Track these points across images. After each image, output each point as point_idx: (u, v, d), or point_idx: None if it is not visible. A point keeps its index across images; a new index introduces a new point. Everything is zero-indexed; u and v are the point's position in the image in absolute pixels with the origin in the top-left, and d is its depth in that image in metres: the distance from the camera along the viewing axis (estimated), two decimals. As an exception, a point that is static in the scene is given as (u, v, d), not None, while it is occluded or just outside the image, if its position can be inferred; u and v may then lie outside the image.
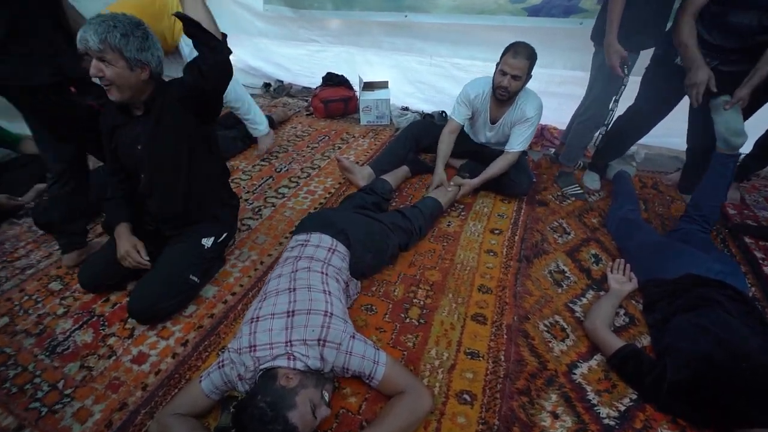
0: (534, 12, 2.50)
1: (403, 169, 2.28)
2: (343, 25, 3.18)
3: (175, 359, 1.38)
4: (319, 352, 1.13)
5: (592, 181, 2.28)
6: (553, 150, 2.71)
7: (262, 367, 1.11)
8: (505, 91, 1.85)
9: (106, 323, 1.52)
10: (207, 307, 1.57)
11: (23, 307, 1.59)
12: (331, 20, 3.16)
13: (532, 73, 1.85)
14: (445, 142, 2.13)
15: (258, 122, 2.49)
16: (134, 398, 1.26)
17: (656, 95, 1.86)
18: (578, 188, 2.22)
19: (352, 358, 1.14)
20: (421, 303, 1.54)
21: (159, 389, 1.28)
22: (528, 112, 1.92)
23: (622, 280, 1.56)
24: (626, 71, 1.80)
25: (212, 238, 1.64)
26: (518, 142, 1.97)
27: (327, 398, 1.09)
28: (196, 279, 1.57)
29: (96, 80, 1.30)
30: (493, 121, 2.06)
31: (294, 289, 1.28)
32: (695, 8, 1.54)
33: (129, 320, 1.52)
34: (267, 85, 3.78)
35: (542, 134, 2.82)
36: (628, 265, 1.62)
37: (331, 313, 1.21)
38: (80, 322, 1.52)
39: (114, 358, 1.39)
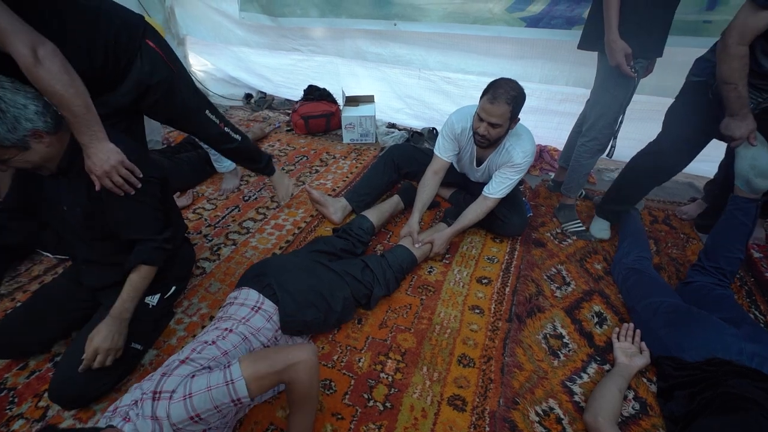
0: (533, 22, 2.24)
1: (392, 202, 1.98)
2: (326, 34, 2.93)
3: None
4: (152, 409, 0.87)
5: (600, 230, 1.90)
6: (552, 174, 2.45)
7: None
8: (484, 139, 1.57)
9: (16, 399, 1.28)
10: (139, 378, 1.33)
11: None
12: (313, 29, 2.91)
13: (519, 116, 1.56)
14: (428, 186, 1.78)
15: (224, 158, 2.24)
16: None
17: (686, 133, 1.53)
18: (580, 224, 1.96)
19: (195, 399, 0.87)
20: (390, 379, 1.29)
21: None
22: (515, 157, 1.63)
23: (630, 352, 1.31)
24: (634, 70, 1.54)
25: (158, 296, 1.41)
26: (499, 189, 1.68)
27: None
28: (139, 346, 1.34)
29: None
30: (479, 162, 1.79)
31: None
32: (752, 33, 1.16)
33: (45, 395, 1.28)
34: (249, 96, 3.55)
35: (541, 156, 2.57)
36: (638, 332, 1.36)
37: (186, 358, 0.99)
38: (-15, 399, 1.28)
39: (15, 450, 1.16)
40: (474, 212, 1.73)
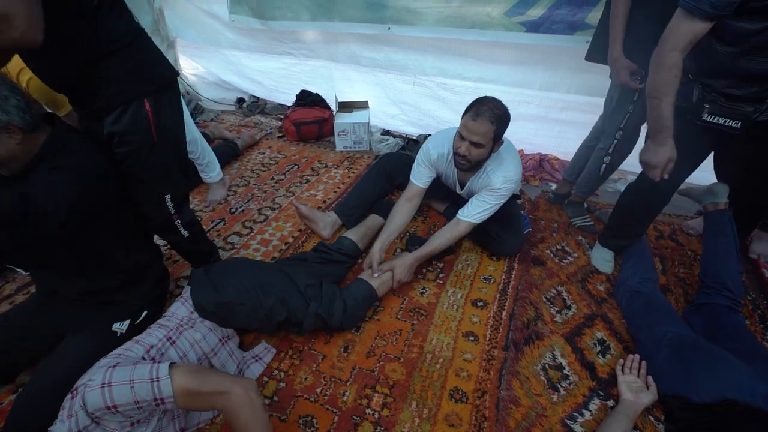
0: (533, 27, 2.14)
1: (372, 220, 1.87)
2: (319, 38, 2.83)
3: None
4: (69, 407, 0.89)
5: (602, 260, 1.72)
6: (554, 185, 2.35)
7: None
8: (464, 160, 1.45)
9: (-26, 436, 1.19)
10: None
11: None
12: (305, 32, 2.81)
13: (503, 138, 1.46)
14: (399, 214, 1.63)
15: (212, 168, 2.12)
16: None
17: (681, 157, 1.40)
18: (588, 220, 1.91)
19: (114, 390, 0.84)
20: (376, 415, 1.20)
21: None
22: (494, 181, 1.51)
23: (636, 387, 1.21)
24: (640, 83, 1.48)
25: (127, 321, 1.31)
26: (474, 213, 1.54)
27: None
28: None
29: None
30: (462, 186, 1.69)
31: None
32: (686, 40, 1.07)
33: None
34: (241, 100, 3.45)
35: (541, 165, 2.47)
36: (644, 364, 1.27)
37: (109, 354, 1.00)
38: (-60, 435, 1.19)
39: (-31, 494, 1.07)
40: (443, 237, 1.57)
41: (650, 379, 1.23)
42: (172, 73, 1.21)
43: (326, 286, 1.38)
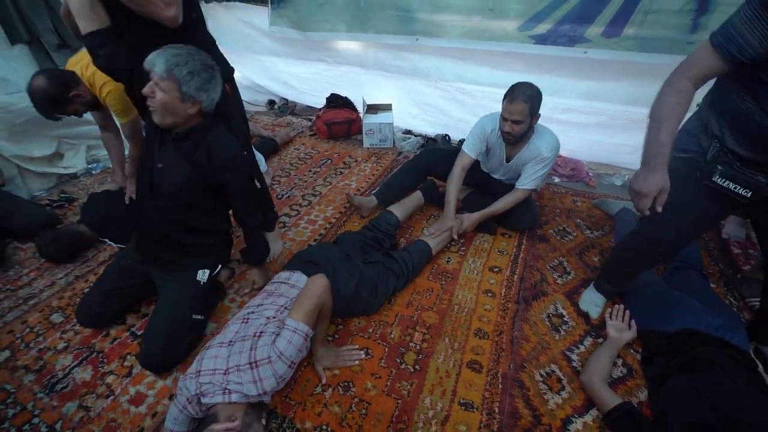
0: (541, 40, 2.49)
1: (416, 197, 2.19)
2: (351, 46, 3.18)
3: (172, 400, 1.39)
4: (251, 375, 1.16)
5: (591, 304, 1.67)
6: (556, 179, 2.69)
7: (203, 401, 1.15)
8: (510, 136, 1.80)
9: (105, 360, 1.53)
10: (204, 344, 1.58)
11: (24, 341, 1.61)
12: (339, 42, 3.17)
13: (540, 112, 1.78)
14: (455, 182, 1.99)
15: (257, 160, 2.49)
16: (130, 443, 1.27)
17: (679, 214, 1.22)
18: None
19: (285, 353, 1.18)
20: (418, 347, 1.54)
21: (154, 433, 1.29)
22: (544, 151, 1.84)
23: (621, 328, 1.55)
24: None
25: (207, 272, 1.63)
26: (530, 180, 1.89)
27: (264, 421, 1.18)
28: (200, 317, 1.59)
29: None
30: (508, 159, 2.00)
31: (247, 320, 1.34)
32: (698, 69, 1.03)
33: (128, 357, 1.54)
34: (271, 102, 3.80)
35: (546, 161, 2.81)
36: (627, 312, 1.60)
37: (261, 333, 1.25)
38: (80, 359, 1.53)
39: (112, 397, 1.41)
40: (505, 201, 1.96)
41: (632, 323, 1.56)
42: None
43: (397, 255, 1.77)
